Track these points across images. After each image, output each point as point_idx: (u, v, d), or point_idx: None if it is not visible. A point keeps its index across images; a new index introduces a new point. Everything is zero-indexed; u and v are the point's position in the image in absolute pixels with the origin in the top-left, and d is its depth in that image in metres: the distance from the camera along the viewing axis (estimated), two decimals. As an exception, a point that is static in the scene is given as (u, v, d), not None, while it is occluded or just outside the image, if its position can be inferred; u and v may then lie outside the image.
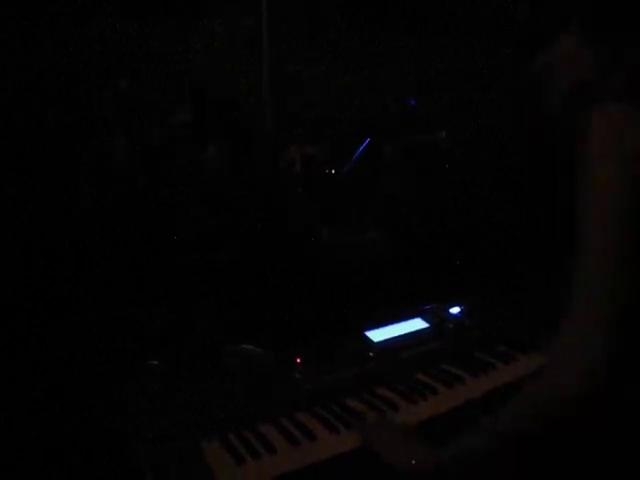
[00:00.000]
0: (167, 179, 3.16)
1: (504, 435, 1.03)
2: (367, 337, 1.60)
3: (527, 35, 1.19)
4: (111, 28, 3.84)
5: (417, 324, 1.69)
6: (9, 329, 2.22)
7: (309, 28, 4.70)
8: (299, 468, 1.15)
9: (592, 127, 0.98)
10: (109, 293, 2.09)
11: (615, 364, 0.90)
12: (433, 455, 1.11)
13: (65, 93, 3.65)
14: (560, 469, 1.07)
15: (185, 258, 2.53)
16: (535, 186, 3.02)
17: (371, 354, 1.53)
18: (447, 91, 4.32)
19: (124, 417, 1.25)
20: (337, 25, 4.72)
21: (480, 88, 4.01)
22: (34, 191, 3.46)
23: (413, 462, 1.11)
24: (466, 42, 4.23)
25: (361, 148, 2.00)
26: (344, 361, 1.49)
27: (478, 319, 1.73)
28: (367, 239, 3.22)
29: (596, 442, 1.01)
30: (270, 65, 4.64)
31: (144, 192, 3.14)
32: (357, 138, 2.99)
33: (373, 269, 2.09)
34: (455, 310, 1.76)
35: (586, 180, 0.97)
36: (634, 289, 0.92)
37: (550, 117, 1.21)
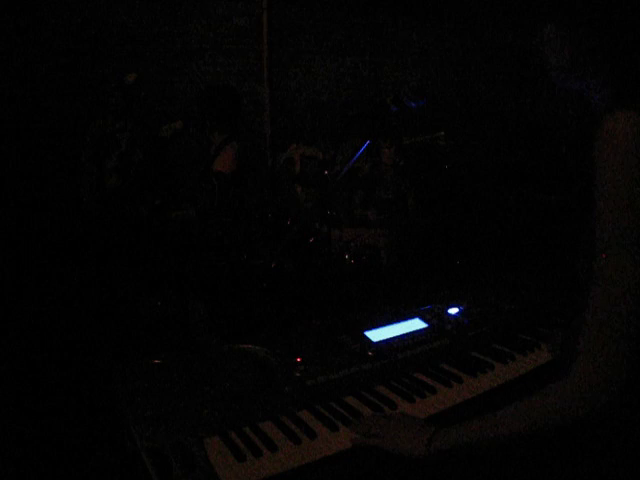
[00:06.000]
0: (168, 175, 3.17)
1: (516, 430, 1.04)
2: (366, 337, 1.62)
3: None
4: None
5: (416, 324, 1.70)
6: (12, 325, 2.23)
7: (311, 19, 4.69)
8: (300, 465, 1.16)
9: (606, 134, 0.97)
10: (112, 291, 2.10)
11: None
12: (438, 439, 1.13)
13: (65, 80, 3.65)
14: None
15: (188, 257, 2.55)
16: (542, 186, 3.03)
17: (370, 353, 1.55)
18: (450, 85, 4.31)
19: (126, 414, 1.27)
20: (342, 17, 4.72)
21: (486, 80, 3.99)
22: (34, 181, 3.47)
23: (418, 446, 1.12)
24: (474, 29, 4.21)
25: (361, 150, 2.01)
26: (344, 360, 1.51)
27: (476, 320, 1.74)
28: (366, 238, 3.23)
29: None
30: (269, 62, 4.64)
31: (145, 189, 3.15)
32: (357, 139, 3.01)
33: (373, 269, 2.11)
34: (454, 311, 1.77)
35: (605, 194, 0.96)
36: None
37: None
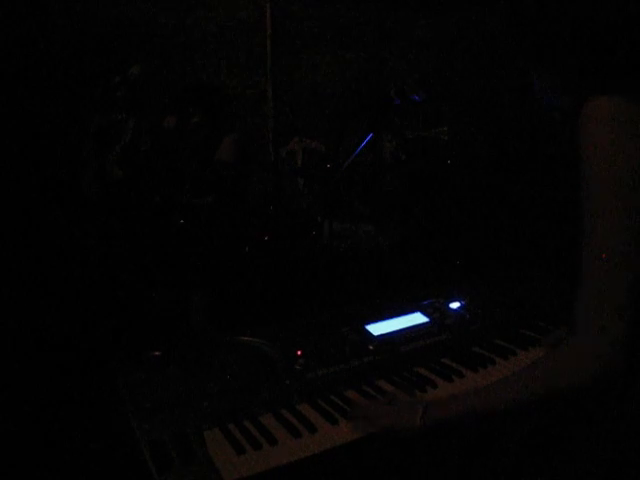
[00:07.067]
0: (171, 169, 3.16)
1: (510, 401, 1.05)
2: (367, 330, 1.61)
3: None
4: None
5: (417, 318, 1.70)
6: (12, 319, 2.22)
7: (315, 12, 4.67)
8: (299, 459, 1.16)
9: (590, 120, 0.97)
10: (113, 283, 2.10)
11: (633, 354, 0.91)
12: (434, 408, 1.14)
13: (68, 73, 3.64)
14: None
15: (188, 250, 2.55)
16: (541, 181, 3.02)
17: (371, 347, 1.54)
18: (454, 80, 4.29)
19: (126, 406, 1.26)
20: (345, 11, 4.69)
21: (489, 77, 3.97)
22: (36, 174, 3.46)
23: (418, 418, 1.13)
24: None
25: (363, 143, 2.00)
26: (344, 354, 1.51)
27: (478, 314, 1.74)
28: (368, 232, 3.23)
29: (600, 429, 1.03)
30: (272, 55, 4.62)
31: (152, 180, 3.15)
32: (360, 132, 3.00)
33: (374, 263, 2.10)
34: (455, 305, 1.77)
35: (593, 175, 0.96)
36: None
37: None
